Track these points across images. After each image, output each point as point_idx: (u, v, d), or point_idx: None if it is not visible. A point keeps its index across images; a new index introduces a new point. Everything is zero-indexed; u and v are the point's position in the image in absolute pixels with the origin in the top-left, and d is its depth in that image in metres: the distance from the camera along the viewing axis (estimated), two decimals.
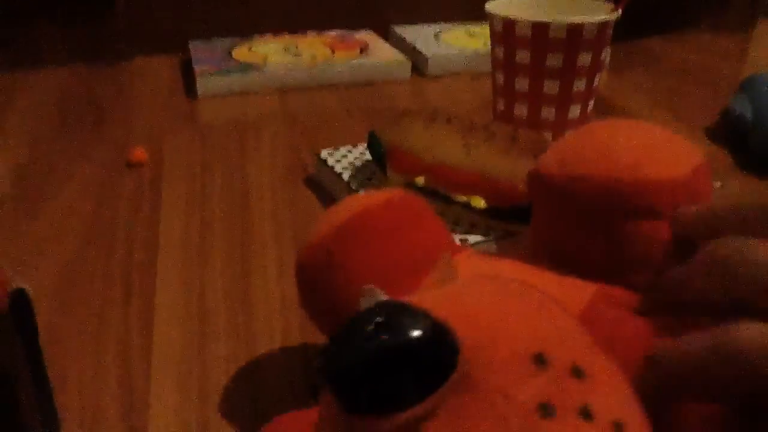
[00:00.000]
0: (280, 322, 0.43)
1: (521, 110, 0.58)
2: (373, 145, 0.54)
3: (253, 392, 0.37)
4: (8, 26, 0.98)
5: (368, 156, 0.59)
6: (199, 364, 0.39)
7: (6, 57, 0.96)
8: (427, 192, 0.50)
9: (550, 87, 0.56)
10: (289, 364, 0.39)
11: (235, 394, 0.37)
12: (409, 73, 0.87)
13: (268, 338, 0.41)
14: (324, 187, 0.59)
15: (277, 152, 0.67)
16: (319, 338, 0.41)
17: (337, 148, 0.61)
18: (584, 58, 0.55)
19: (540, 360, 0.19)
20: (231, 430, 0.35)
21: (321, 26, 1.05)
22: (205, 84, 0.81)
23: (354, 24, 1.06)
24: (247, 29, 1.03)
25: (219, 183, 0.61)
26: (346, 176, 0.55)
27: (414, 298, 0.22)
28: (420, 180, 0.50)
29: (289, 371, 0.39)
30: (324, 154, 0.60)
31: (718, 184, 0.59)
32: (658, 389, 0.23)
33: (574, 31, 0.54)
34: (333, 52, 0.90)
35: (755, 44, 0.96)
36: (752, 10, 1.05)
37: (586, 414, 0.19)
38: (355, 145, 0.61)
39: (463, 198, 0.48)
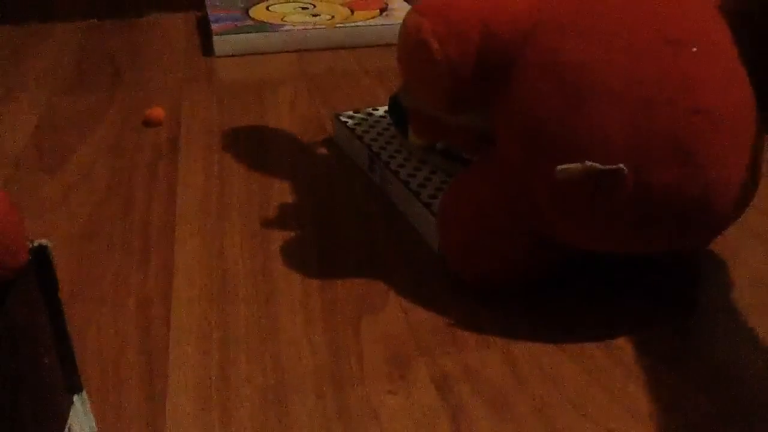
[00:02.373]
0: (299, 277, 0.42)
1: None
2: (395, 109, 0.53)
3: (273, 347, 0.37)
4: None
5: (388, 119, 0.58)
6: (218, 317, 0.39)
7: (20, 8, 0.95)
8: (448, 155, 0.49)
9: None
10: (309, 308, 0.39)
11: (255, 346, 0.37)
12: None
13: (287, 296, 0.41)
14: (343, 149, 0.58)
15: (296, 113, 0.66)
16: (332, 287, 0.41)
17: (357, 111, 0.60)
18: None
19: None
20: (250, 380, 0.35)
21: None
22: (221, 43, 0.80)
23: None
24: None
25: (237, 142, 0.60)
26: (367, 139, 0.54)
27: None
28: (440, 143, 0.49)
29: (307, 315, 0.38)
30: (344, 116, 0.59)
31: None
32: None
33: None
34: (352, 11, 0.89)
35: None
36: None
37: None
38: (375, 109, 0.60)
39: None
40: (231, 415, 0.33)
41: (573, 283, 0.43)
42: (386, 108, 0.60)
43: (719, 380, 0.36)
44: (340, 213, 0.50)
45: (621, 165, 0.33)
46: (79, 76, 0.75)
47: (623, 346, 0.38)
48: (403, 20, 0.40)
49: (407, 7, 0.90)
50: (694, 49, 0.34)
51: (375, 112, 0.59)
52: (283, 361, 0.37)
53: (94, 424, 0.31)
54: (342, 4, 0.91)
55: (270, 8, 0.90)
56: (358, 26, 0.83)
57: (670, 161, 0.33)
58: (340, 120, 0.58)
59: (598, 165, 0.33)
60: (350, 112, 0.59)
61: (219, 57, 0.80)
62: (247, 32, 0.81)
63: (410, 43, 0.39)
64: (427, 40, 0.38)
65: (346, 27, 0.83)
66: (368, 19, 0.86)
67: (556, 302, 0.41)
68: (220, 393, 0.35)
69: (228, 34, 0.80)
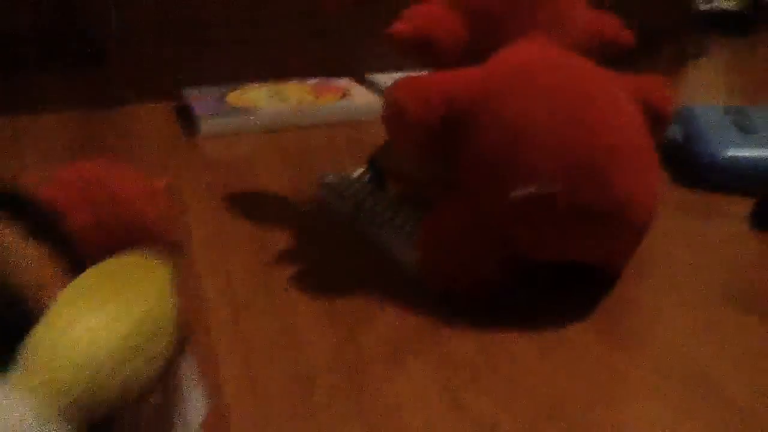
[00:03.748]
0: (306, 295, 0.52)
1: None
2: (373, 168, 0.65)
3: (293, 341, 0.46)
4: (7, 73, 1.07)
5: (363, 178, 0.69)
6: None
7: (8, 103, 1.04)
8: (422, 200, 0.60)
9: None
10: (314, 315, 0.49)
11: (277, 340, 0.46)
12: None
13: (297, 308, 0.51)
14: (329, 204, 0.69)
15: (282, 180, 0.77)
16: None
17: (338, 173, 0.71)
18: None
19: None
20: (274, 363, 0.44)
21: (301, 75, 1.16)
22: (206, 125, 0.91)
23: (331, 73, 1.17)
24: (232, 79, 1.13)
25: (235, 202, 0.70)
26: (349, 193, 0.65)
27: None
28: (412, 191, 0.61)
29: (314, 321, 0.48)
30: (327, 179, 0.70)
31: None
32: None
33: None
34: (316, 97, 1.01)
35: (685, 83, 1.10)
36: (681, 55, 1.21)
37: None
38: (353, 170, 0.71)
39: None
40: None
41: (525, 286, 0.54)
42: (360, 171, 0.71)
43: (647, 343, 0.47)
44: (333, 253, 0.60)
45: (556, 186, 0.45)
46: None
47: (566, 329, 0.49)
48: (385, 94, 0.52)
49: (365, 92, 1.04)
50: (602, 101, 0.46)
51: (351, 174, 0.71)
52: (306, 358, 0.46)
53: None
54: (306, 93, 1.04)
55: (243, 95, 1.02)
56: (325, 107, 0.96)
57: (592, 183, 0.46)
58: (323, 182, 0.69)
59: (537, 188, 0.45)
60: (331, 175, 0.70)
61: (203, 138, 0.91)
62: (227, 115, 0.92)
63: (391, 110, 0.50)
64: (404, 107, 0.49)
65: (314, 109, 0.95)
66: (331, 102, 0.98)
67: (511, 302, 0.52)
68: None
69: (212, 117, 0.91)
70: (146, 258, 0.24)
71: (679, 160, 0.76)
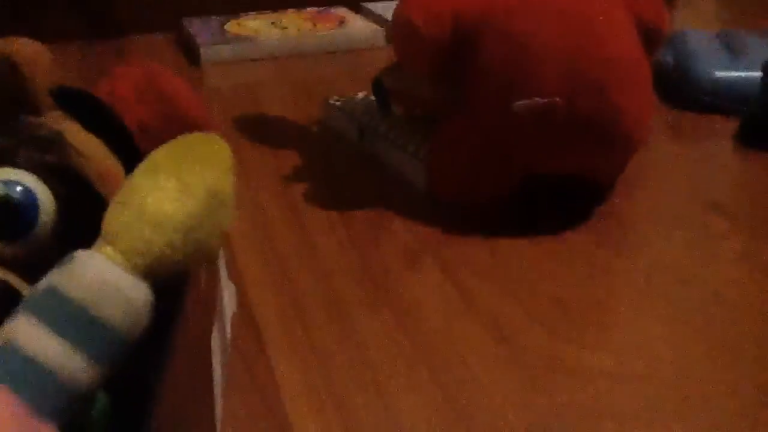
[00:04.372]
0: (325, 213, 0.55)
1: None
2: (377, 89, 0.67)
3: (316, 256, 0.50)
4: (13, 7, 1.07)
5: (370, 98, 0.71)
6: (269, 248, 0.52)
7: (11, 34, 1.05)
8: (427, 119, 0.63)
9: None
10: (337, 232, 0.52)
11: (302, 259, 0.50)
12: (384, 42, 1.00)
13: (318, 227, 0.54)
14: (333, 127, 0.72)
15: (286, 105, 0.79)
16: None
17: (342, 96, 0.73)
18: None
19: None
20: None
21: (297, 5, 1.16)
22: (208, 53, 0.92)
23: (326, 3, 1.18)
24: (228, 8, 1.13)
25: (242, 129, 0.72)
26: (356, 114, 0.68)
27: None
28: (418, 111, 0.63)
29: (336, 238, 0.51)
30: (332, 100, 0.72)
31: None
32: None
33: None
34: (314, 25, 1.02)
35: (680, 7, 1.12)
36: None
37: None
38: (355, 94, 0.74)
39: None
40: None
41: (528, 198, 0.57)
42: (363, 94, 0.74)
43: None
44: (342, 172, 0.63)
45: (556, 98, 0.48)
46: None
47: (567, 236, 0.53)
48: (394, 12, 0.54)
49: (362, 20, 1.05)
50: (601, 18, 0.49)
51: (355, 96, 0.73)
52: (328, 264, 0.50)
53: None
54: (304, 21, 1.05)
55: (241, 24, 1.03)
56: (324, 35, 0.97)
57: (590, 95, 0.49)
58: (329, 103, 0.72)
59: (539, 99, 0.48)
60: (336, 97, 0.73)
61: (205, 66, 0.92)
62: (228, 43, 0.94)
63: (400, 26, 0.53)
64: (413, 23, 0.52)
65: (314, 36, 0.97)
66: (330, 30, 1.00)
67: (516, 212, 0.56)
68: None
69: (213, 45, 0.93)
70: (209, 137, 0.27)
71: (669, 82, 0.79)
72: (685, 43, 0.80)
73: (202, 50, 0.92)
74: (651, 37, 0.54)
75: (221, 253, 0.41)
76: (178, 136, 0.26)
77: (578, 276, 0.49)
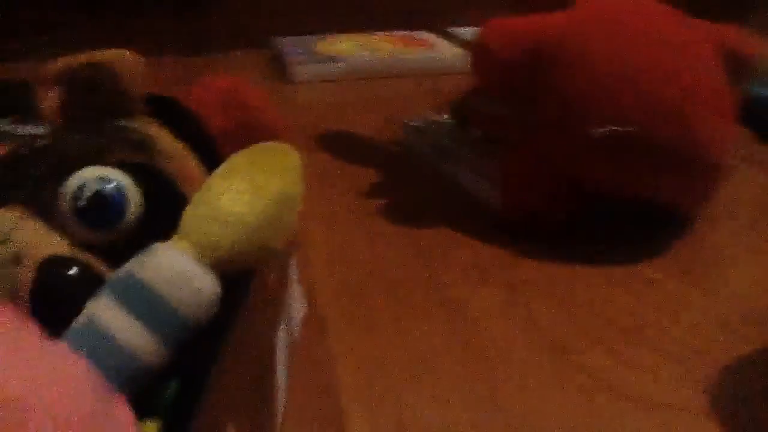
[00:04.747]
0: (402, 228, 0.57)
1: None
2: (456, 112, 0.69)
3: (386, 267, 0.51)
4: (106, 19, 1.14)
5: (449, 120, 0.73)
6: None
7: (108, 47, 1.12)
8: (503, 141, 0.64)
9: None
10: (409, 244, 0.53)
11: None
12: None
13: (394, 237, 0.55)
14: (411, 147, 0.73)
15: (368, 123, 0.81)
16: None
17: (421, 117, 0.75)
18: None
19: None
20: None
21: (383, 28, 1.19)
22: (298, 71, 0.96)
23: (411, 27, 1.20)
24: (317, 29, 1.17)
25: (326, 144, 0.75)
26: (431, 136, 0.70)
27: None
28: (495, 133, 0.64)
29: (410, 250, 0.53)
30: (411, 121, 0.74)
31: None
32: None
33: None
34: (405, 47, 1.05)
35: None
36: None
37: None
38: (435, 116, 0.75)
39: None
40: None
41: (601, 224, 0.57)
42: (443, 116, 0.75)
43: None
44: (416, 189, 0.65)
45: (634, 127, 0.48)
46: None
47: (641, 266, 0.52)
48: (475, 36, 0.55)
49: (448, 45, 1.07)
50: (681, 46, 0.49)
51: (434, 118, 0.75)
52: (396, 275, 0.51)
53: None
54: (392, 43, 1.08)
55: (331, 46, 1.07)
56: (414, 57, 1.00)
57: (668, 126, 0.48)
58: (408, 124, 0.74)
59: (617, 128, 0.48)
60: (416, 118, 0.75)
61: (298, 84, 0.96)
62: (318, 62, 0.97)
63: (476, 47, 0.54)
64: (486, 42, 0.53)
65: (403, 58, 1.00)
66: (421, 53, 1.02)
67: (587, 237, 0.56)
68: None
69: (304, 63, 0.97)
70: (282, 146, 0.29)
71: (757, 114, 0.77)
72: None
73: (293, 68, 0.96)
74: (736, 67, 0.54)
75: (293, 257, 0.43)
76: (255, 144, 0.28)
77: (652, 306, 0.48)
